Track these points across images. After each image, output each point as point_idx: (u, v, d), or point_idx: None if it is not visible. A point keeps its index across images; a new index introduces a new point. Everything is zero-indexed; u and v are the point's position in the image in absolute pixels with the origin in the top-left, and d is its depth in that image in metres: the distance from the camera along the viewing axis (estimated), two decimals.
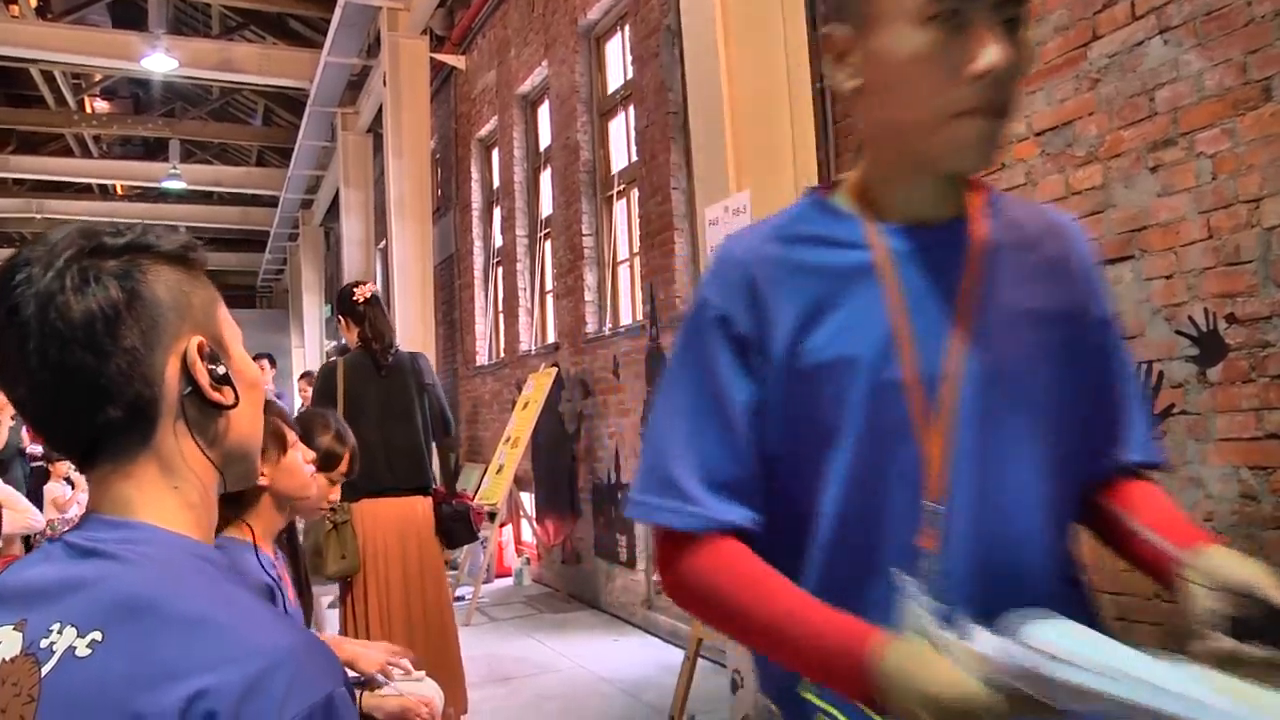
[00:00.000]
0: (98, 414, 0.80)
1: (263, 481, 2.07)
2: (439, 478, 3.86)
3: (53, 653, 0.72)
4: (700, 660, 4.81)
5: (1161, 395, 2.79)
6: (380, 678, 2.54)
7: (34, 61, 11.41)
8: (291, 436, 2.27)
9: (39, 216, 16.80)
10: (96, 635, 0.72)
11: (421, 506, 3.75)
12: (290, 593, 2.11)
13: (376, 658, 2.46)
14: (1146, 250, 2.82)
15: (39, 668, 0.72)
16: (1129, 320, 2.88)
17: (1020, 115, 3.22)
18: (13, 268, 0.80)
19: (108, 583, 0.74)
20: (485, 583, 7.20)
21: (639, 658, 5.22)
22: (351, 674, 2.60)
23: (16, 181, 16.45)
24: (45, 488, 7.87)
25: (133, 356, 0.80)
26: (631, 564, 6.02)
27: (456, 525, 3.82)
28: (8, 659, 0.73)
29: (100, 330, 0.79)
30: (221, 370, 0.85)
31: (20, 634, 0.74)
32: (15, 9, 10.56)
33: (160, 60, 10.30)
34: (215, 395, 0.84)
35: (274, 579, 1.94)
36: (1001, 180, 3.30)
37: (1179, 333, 2.73)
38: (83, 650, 0.71)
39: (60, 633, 0.72)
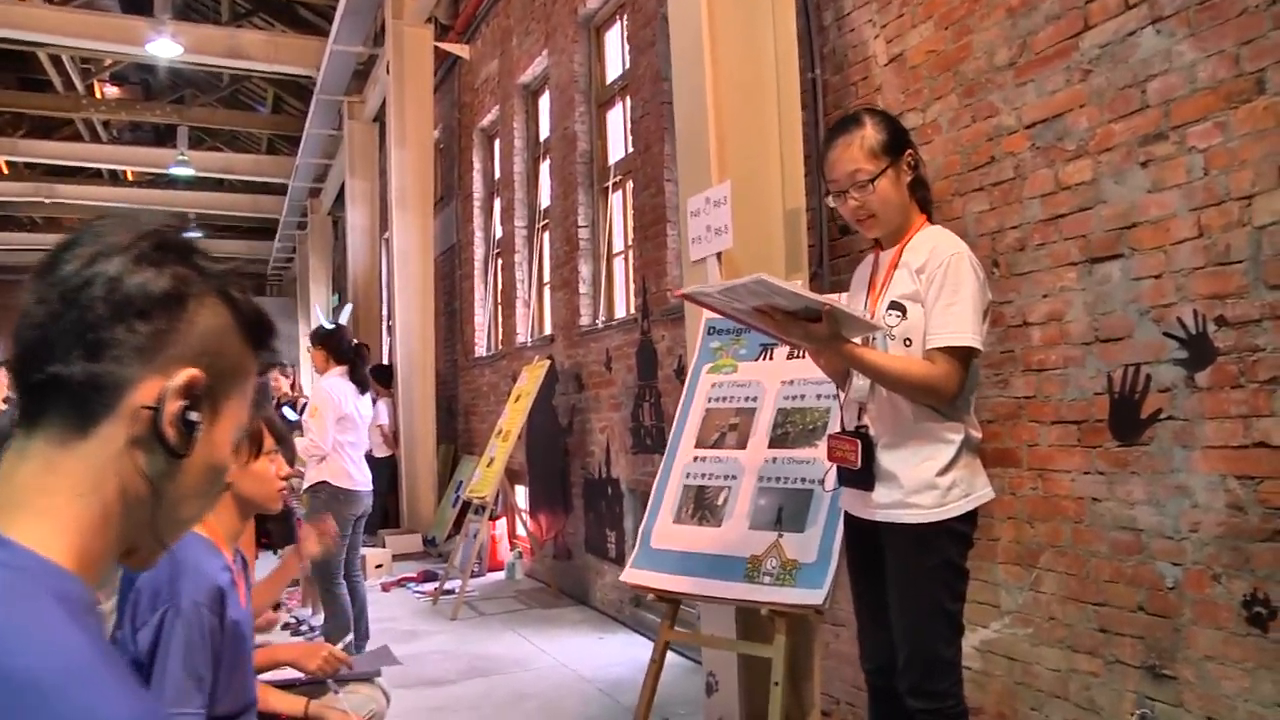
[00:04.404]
0: (67, 354, 0.76)
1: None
2: None
3: None
4: (682, 660, 4.74)
5: (1149, 399, 2.68)
6: (331, 684, 2.51)
7: (41, 45, 11.40)
8: (269, 443, 2.19)
9: (48, 201, 16.88)
10: None
11: None
12: (242, 598, 2.03)
13: (316, 656, 2.40)
14: (1136, 248, 2.71)
15: None
16: (1117, 320, 2.77)
17: (1010, 107, 3.12)
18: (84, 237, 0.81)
19: None
20: (476, 576, 7.15)
21: (622, 656, 5.14)
22: (295, 674, 2.55)
23: (27, 166, 16.51)
24: None
25: (131, 337, 0.77)
26: (620, 560, 5.94)
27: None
28: None
29: (127, 300, 0.77)
30: (192, 418, 0.79)
31: None
32: None
33: (166, 45, 10.28)
34: (167, 430, 0.78)
35: (224, 584, 1.86)
36: (990, 175, 3.19)
37: (1168, 334, 2.63)
38: None
39: None
